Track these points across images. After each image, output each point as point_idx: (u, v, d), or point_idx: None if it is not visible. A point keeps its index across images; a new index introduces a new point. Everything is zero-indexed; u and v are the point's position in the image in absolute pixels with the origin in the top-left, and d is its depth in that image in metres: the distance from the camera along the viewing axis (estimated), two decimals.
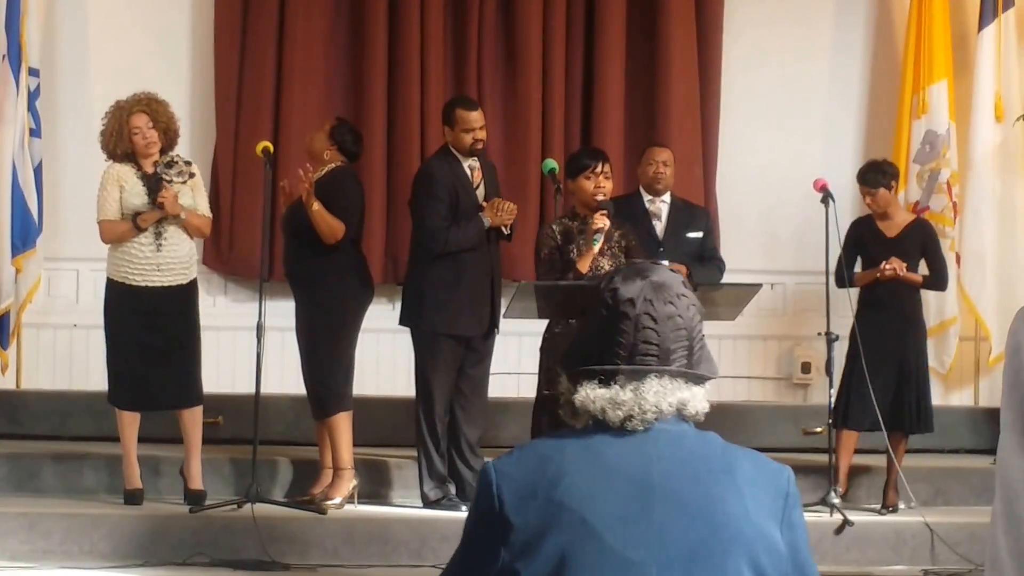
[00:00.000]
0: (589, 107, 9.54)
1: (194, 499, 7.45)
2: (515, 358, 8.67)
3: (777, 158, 9.64)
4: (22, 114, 8.71)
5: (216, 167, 9.31)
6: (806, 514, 2.40)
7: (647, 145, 8.71)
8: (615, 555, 2.22)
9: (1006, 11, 9.31)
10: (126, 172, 7.50)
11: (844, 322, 7.83)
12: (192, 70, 9.51)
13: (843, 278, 7.84)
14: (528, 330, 7.70)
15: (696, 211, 8.51)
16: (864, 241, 8.06)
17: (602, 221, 6.90)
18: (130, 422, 7.49)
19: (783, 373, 9.76)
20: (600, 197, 7.06)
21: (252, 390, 7.56)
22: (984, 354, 9.46)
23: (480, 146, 7.72)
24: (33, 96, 8.86)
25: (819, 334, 7.98)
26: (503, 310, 7.33)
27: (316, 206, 7.43)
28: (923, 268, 8.07)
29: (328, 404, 7.60)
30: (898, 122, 9.46)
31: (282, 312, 7.94)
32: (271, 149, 7.93)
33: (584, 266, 6.89)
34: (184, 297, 7.52)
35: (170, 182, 7.48)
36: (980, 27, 9.33)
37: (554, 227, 7.14)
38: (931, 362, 8.26)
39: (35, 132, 8.84)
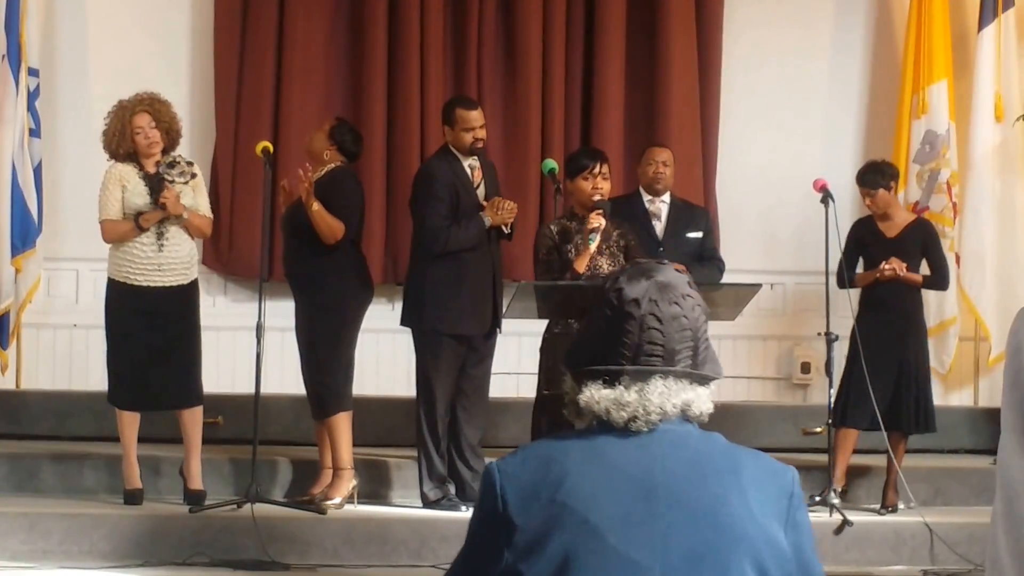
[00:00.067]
0: (589, 107, 9.54)
1: (194, 499, 7.45)
2: (515, 358, 8.67)
3: (777, 158, 9.65)
4: (22, 114, 8.71)
5: (216, 167, 9.31)
6: None
7: (647, 145, 8.72)
8: (618, 556, 2.22)
9: (1006, 11, 9.31)
10: (128, 172, 7.50)
11: (844, 322, 7.83)
12: (192, 70, 9.51)
13: (844, 279, 7.84)
14: (528, 330, 7.70)
15: (696, 211, 8.52)
16: (865, 242, 8.06)
17: (598, 221, 6.90)
18: (130, 422, 7.49)
19: (783, 373, 9.76)
20: (597, 197, 7.06)
21: (252, 390, 7.56)
22: (984, 354, 9.46)
23: (480, 145, 7.72)
24: (33, 96, 8.85)
25: (819, 334, 7.98)
26: (504, 310, 7.33)
27: (316, 206, 7.43)
28: (925, 268, 8.07)
29: (328, 404, 7.60)
30: (898, 122, 9.46)
31: (282, 312, 7.94)
32: (271, 149, 7.93)
33: (580, 266, 6.88)
34: (185, 297, 7.52)
35: (172, 182, 7.48)
36: (980, 27, 9.34)
37: (552, 227, 7.14)
38: (931, 362, 8.25)
39: (35, 132, 8.84)
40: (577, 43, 9.53)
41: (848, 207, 8.91)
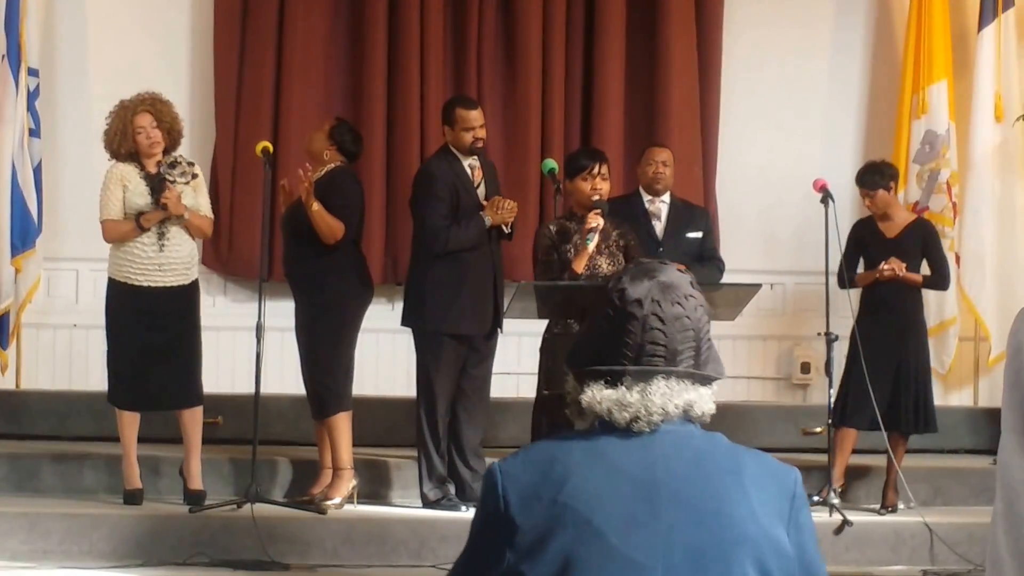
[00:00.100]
0: (589, 107, 9.54)
1: (194, 499, 7.45)
2: (515, 358, 8.67)
3: (777, 158, 9.65)
4: (21, 114, 8.71)
5: (215, 167, 9.31)
6: None
7: (647, 145, 8.72)
8: (620, 557, 2.21)
9: (1006, 11, 9.31)
10: (129, 172, 7.50)
11: (844, 322, 7.83)
12: (192, 70, 9.51)
13: (844, 279, 7.84)
14: (528, 330, 7.70)
15: (696, 211, 8.52)
16: (865, 242, 8.06)
17: (595, 221, 6.90)
18: (130, 422, 7.49)
19: (783, 373, 9.76)
20: (596, 198, 7.06)
21: (252, 390, 7.56)
22: (984, 354, 9.45)
23: (480, 145, 7.72)
24: (32, 96, 8.85)
25: (819, 334, 7.99)
26: (504, 310, 7.34)
27: (316, 206, 7.43)
28: (925, 269, 8.07)
29: (328, 404, 7.60)
30: (898, 122, 9.46)
31: (282, 312, 7.94)
32: (271, 149, 7.93)
33: (579, 266, 6.88)
34: (186, 297, 7.52)
35: (173, 182, 7.49)
36: (980, 27, 9.33)
37: (551, 227, 7.14)
38: (931, 362, 8.24)
39: (34, 132, 8.84)
40: (577, 43, 9.53)
41: (848, 207, 8.91)
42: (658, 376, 2.29)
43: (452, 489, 7.68)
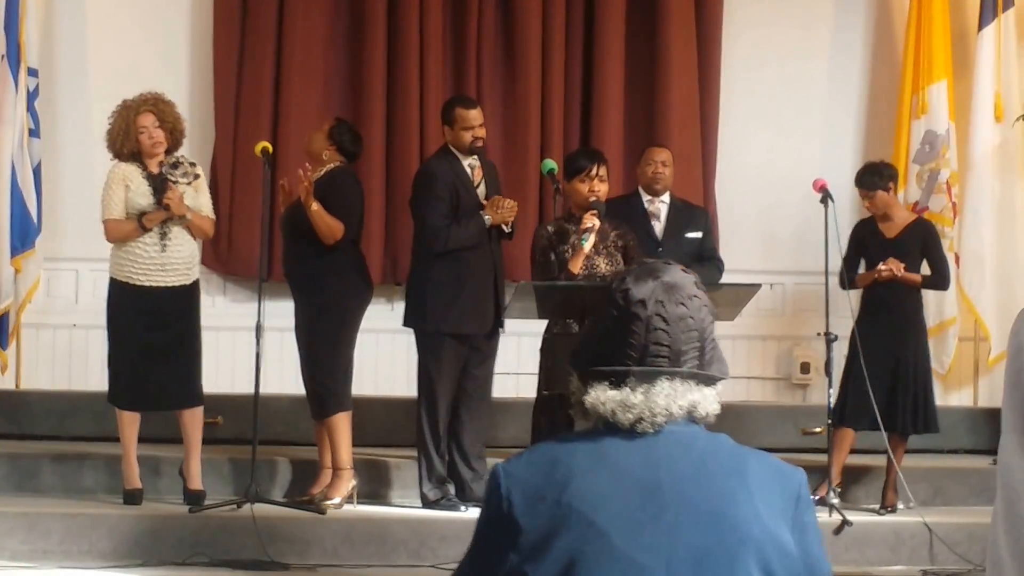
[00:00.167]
0: (588, 107, 9.54)
1: (193, 499, 7.45)
2: (515, 358, 8.67)
3: (776, 158, 9.65)
4: (21, 114, 8.72)
5: (215, 167, 9.31)
6: None
7: (646, 145, 8.72)
8: (624, 558, 2.21)
9: (1006, 11, 9.31)
10: (132, 172, 7.50)
11: (843, 322, 7.83)
12: (191, 70, 9.51)
13: (845, 280, 7.84)
14: (528, 330, 7.71)
15: (695, 211, 8.52)
16: (865, 242, 8.06)
17: (591, 221, 6.91)
18: (130, 422, 7.49)
19: (782, 373, 9.76)
20: (593, 199, 7.06)
21: (251, 390, 7.56)
22: (983, 354, 9.45)
23: (480, 144, 7.73)
24: (32, 96, 8.86)
25: (818, 334, 7.99)
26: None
27: (315, 206, 7.43)
28: (926, 269, 8.07)
29: (327, 404, 7.60)
30: (898, 122, 9.46)
31: (281, 312, 7.94)
32: (270, 149, 7.93)
33: (575, 267, 6.89)
34: (187, 297, 7.52)
35: (175, 182, 7.49)
36: (980, 27, 9.34)
37: (549, 228, 7.16)
38: (931, 362, 8.24)
39: (34, 132, 8.84)
40: (577, 43, 9.54)
41: (848, 207, 8.91)
42: (662, 377, 2.29)
43: (452, 489, 7.68)
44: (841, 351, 7.86)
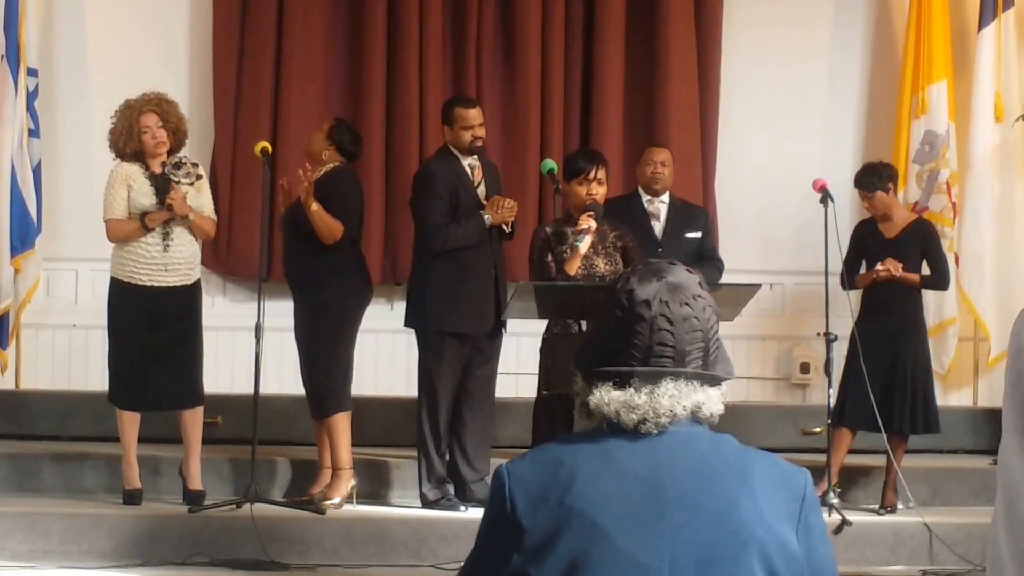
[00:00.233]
0: (588, 107, 9.54)
1: (193, 499, 7.45)
2: (515, 358, 8.67)
3: (776, 158, 9.65)
4: (21, 114, 8.71)
5: (215, 167, 9.31)
6: None
7: (646, 145, 8.73)
8: (627, 559, 2.21)
9: (1006, 11, 9.31)
10: (134, 171, 7.50)
11: (843, 322, 7.83)
12: (191, 70, 9.51)
13: (845, 280, 7.85)
14: (528, 330, 7.71)
15: (695, 211, 8.52)
16: (865, 243, 8.06)
17: (587, 223, 6.91)
18: (130, 422, 7.49)
19: (782, 373, 9.76)
20: (590, 202, 7.07)
21: (251, 390, 7.56)
22: (983, 354, 9.45)
23: (479, 144, 7.73)
24: (32, 96, 8.86)
25: (818, 334, 7.99)
26: None
27: (315, 206, 7.43)
28: (926, 269, 8.07)
29: (327, 404, 7.60)
30: (897, 122, 9.46)
31: (281, 312, 7.94)
32: (270, 149, 7.92)
33: (571, 268, 6.89)
34: (188, 297, 7.52)
35: (178, 183, 7.49)
36: (980, 27, 9.33)
37: (547, 229, 7.17)
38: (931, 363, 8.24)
39: (34, 132, 8.84)
40: (576, 43, 9.53)
41: (848, 207, 8.91)
42: (666, 377, 2.29)
43: (451, 489, 7.68)
44: (841, 351, 7.86)
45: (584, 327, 6.58)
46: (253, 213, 8.60)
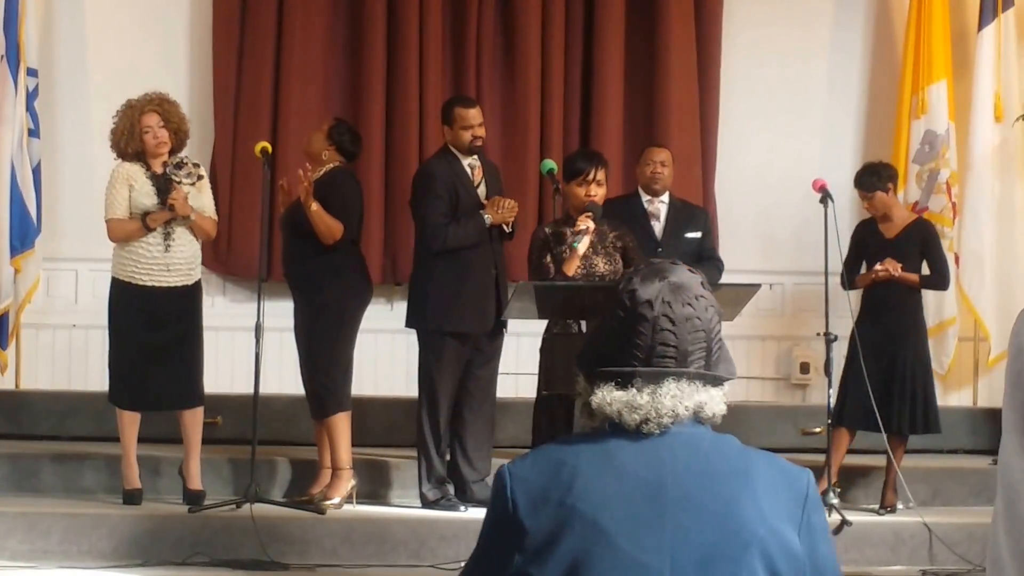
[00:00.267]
0: (588, 107, 9.54)
1: (193, 499, 7.45)
2: (515, 358, 8.67)
3: (776, 158, 9.65)
4: (20, 114, 8.71)
5: (214, 167, 9.30)
6: None
7: (646, 145, 8.73)
8: (628, 559, 2.21)
9: (1006, 11, 9.30)
10: (135, 171, 7.51)
11: (843, 322, 7.83)
12: (190, 70, 9.50)
13: (846, 281, 7.85)
14: (528, 330, 7.71)
15: (695, 211, 8.52)
16: (865, 243, 8.07)
17: (584, 223, 6.91)
18: (130, 422, 7.49)
19: (782, 373, 9.76)
20: (589, 203, 7.07)
21: (251, 390, 7.56)
22: (983, 354, 9.45)
23: (479, 143, 7.73)
24: (31, 96, 8.86)
25: (818, 334, 7.99)
26: None
27: (315, 206, 7.43)
28: (926, 269, 8.06)
29: (327, 404, 7.60)
30: (897, 122, 9.46)
31: (281, 312, 7.94)
32: (269, 149, 7.92)
33: (569, 269, 6.89)
34: (189, 297, 7.52)
35: (179, 183, 7.49)
36: (980, 27, 9.33)
37: (546, 230, 7.18)
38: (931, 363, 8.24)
39: (33, 132, 8.84)
40: (576, 43, 9.53)
41: (848, 207, 8.91)
42: (669, 378, 2.29)
43: (451, 489, 7.68)
44: (841, 351, 7.86)
45: (584, 327, 6.58)
46: (253, 213, 8.60)
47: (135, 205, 7.45)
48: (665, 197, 8.29)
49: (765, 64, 9.71)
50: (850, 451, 7.99)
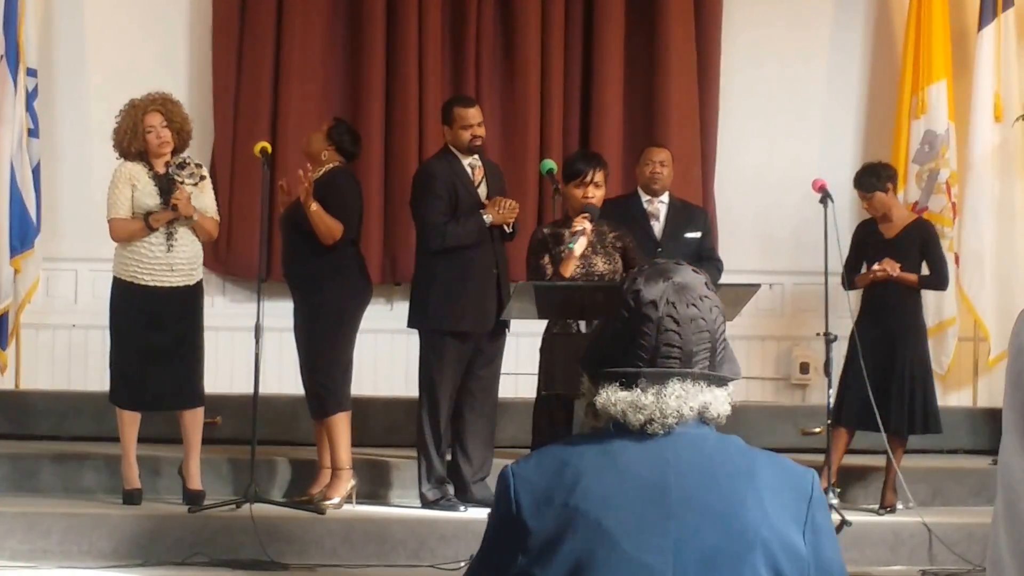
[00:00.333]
0: (588, 107, 9.54)
1: (193, 499, 7.45)
2: (515, 358, 8.66)
3: (775, 158, 9.65)
4: (20, 114, 8.71)
5: (214, 167, 9.29)
6: None
7: (645, 145, 8.73)
8: (631, 560, 2.21)
9: (1006, 11, 9.30)
10: (138, 171, 7.50)
11: (842, 322, 7.83)
12: (190, 70, 9.51)
13: (846, 281, 7.85)
14: (528, 330, 7.71)
15: (694, 211, 8.52)
16: (865, 243, 8.07)
17: (581, 225, 6.91)
18: (130, 422, 7.49)
19: (781, 373, 9.76)
20: (587, 204, 7.07)
21: (250, 390, 7.55)
22: (983, 355, 9.45)
23: (479, 143, 7.73)
24: (31, 96, 8.86)
25: (817, 334, 7.99)
26: None
27: (314, 206, 7.43)
28: (926, 269, 8.06)
29: (326, 404, 7.60)
30: (897, 122, 9.46)
31: (280, 312, 7.95)
32: (269, 149, 7.92)
33: (566, 270, 6.89)
34: (190, 298, 7.52)
35: (182, 183, 7.49)
36: (980, 27, 9.33)
37: (544, 230, 7.18)
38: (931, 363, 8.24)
39: (33, 132, 8.84)
40: (576, 43, 9.53)
41: (847, 207, 8.91)
42: (673, 378, 2.29)
43: (451, 489, 7.68)
44: (840, 351, 7.86)
45: (584, 327, 6.58)
46: (253, 213, 8.60)
47: (138, 205, 7.45)
48: (665, 197, 8.29)
49: (765, 64, 9.72)
50: (850, 451, 7.99)
